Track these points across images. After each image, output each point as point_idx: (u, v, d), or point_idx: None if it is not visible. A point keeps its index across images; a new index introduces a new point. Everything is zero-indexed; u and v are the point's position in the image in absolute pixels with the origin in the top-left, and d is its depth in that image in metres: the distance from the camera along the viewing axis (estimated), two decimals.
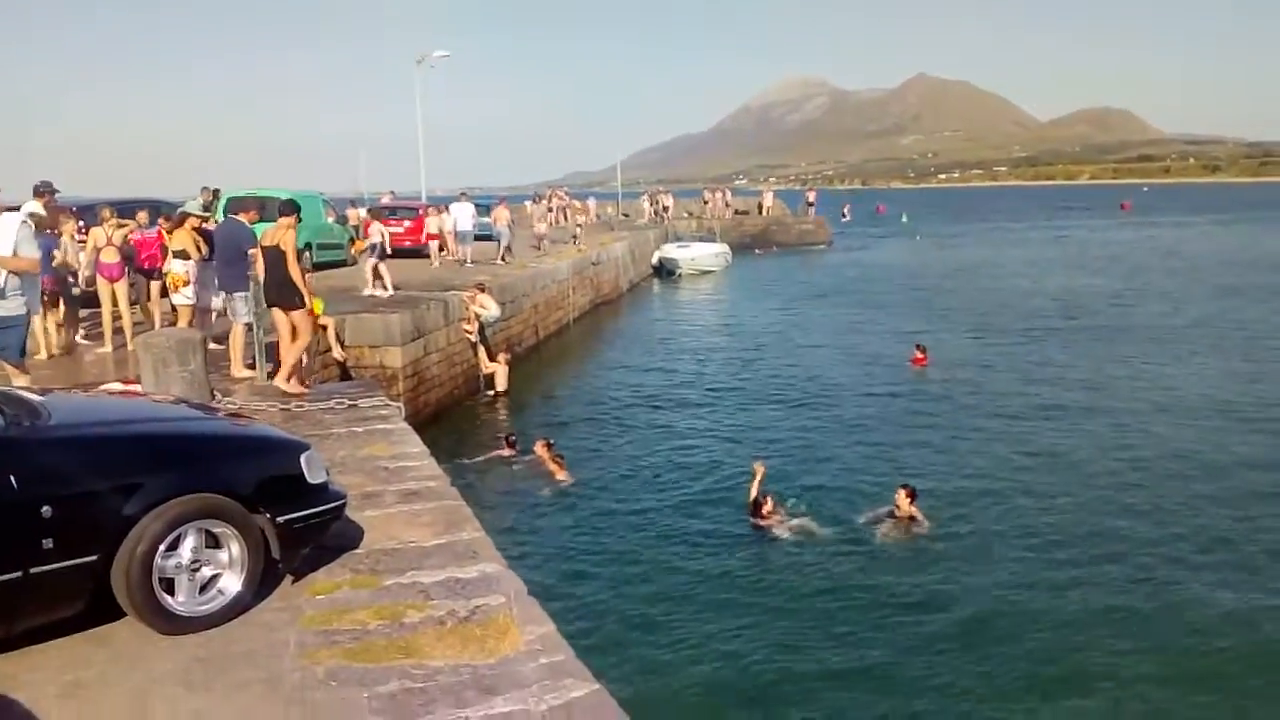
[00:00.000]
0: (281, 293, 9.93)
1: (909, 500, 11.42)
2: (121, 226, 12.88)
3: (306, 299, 10.12)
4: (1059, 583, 9.89)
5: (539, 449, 13.83)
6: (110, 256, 12.36)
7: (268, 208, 12.31)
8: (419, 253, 26.26)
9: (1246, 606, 9.28)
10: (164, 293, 13.66)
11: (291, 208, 10.26)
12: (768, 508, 11.41)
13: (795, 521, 11.36)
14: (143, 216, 14.14)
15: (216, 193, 20.16)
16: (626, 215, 53.29)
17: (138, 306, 13.80)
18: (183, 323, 11.95)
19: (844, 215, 62.10)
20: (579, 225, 36.23)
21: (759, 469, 11.84)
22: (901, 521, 11.31)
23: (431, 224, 26.83)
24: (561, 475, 13.42)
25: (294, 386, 10.12)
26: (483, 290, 18.87)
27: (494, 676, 4.23)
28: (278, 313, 10.07)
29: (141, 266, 13.73)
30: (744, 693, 7.91)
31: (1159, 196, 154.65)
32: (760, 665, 8.28)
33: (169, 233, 12.77)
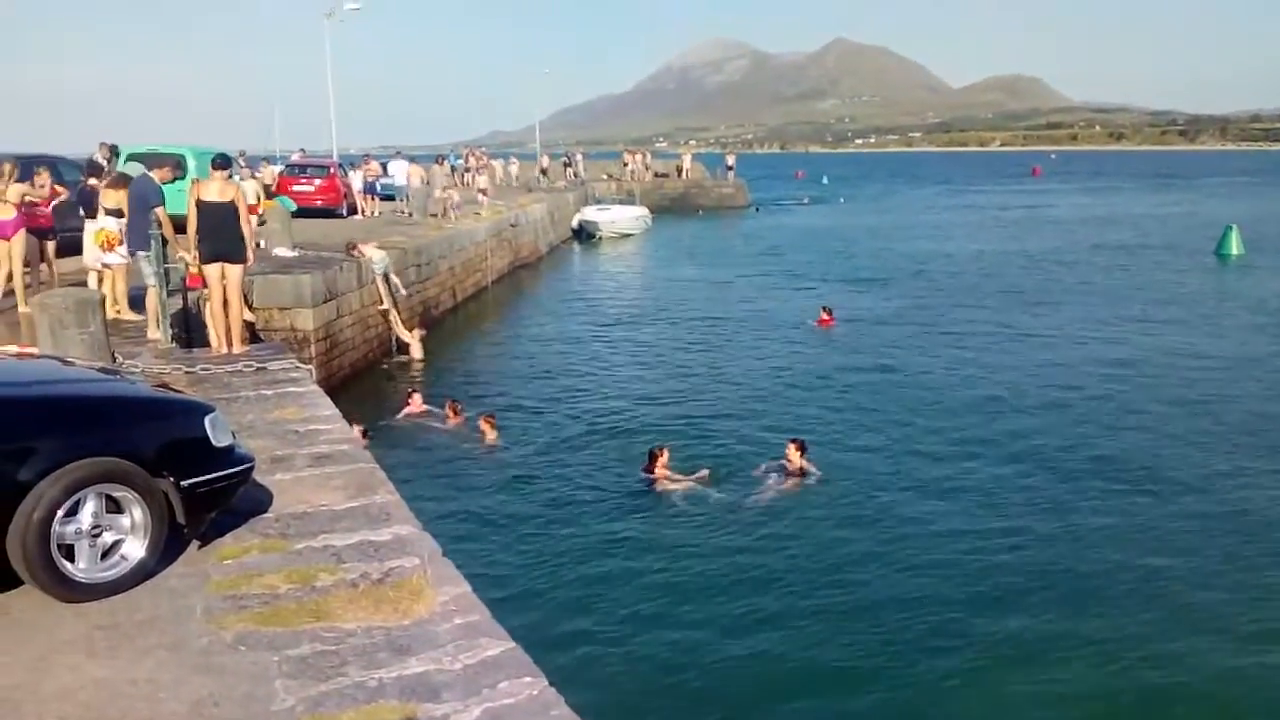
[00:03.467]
0: (233, 246, 9.95)
1: (799, 453, 11.68)
2: (20, 183, 12.30)
3: (250, 255, 10.27)
4: (944, 534, 10.23)
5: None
6: (6, 214, 11.81)
7: (168, 164, 11.94)
8: (331, 212, 25.71)
9: (1136, 552, 9.74)
10: (60, 252, 13.18)
11: (225, 161, 10.25)
12: (661, 462, 11.51)
13: (689, 478, 11.50)
14: (44, 175, 13.54)
15: (115, 149, 19.40)
16: (545, 173, 52.80)
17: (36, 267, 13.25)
18: (120, 283, 11.53)
19: (728, 164, 62.91)
20: (481, 191, 33.52)
21: (660, 453, 11.74)
22: (793, 474, 11.59)
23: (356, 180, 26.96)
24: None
25: (240, 346, 10.26)
26: (354, 248, 18.20)
27: (407, 638, 4.23)
28: (213, 268, 10.00)
29: (39, 226, 13.17)
30: (651, 649, 8.00)
31: (1067, 162, 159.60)
32: (663, 623, 8.39)
33: (106, 190, 12.22)
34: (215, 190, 9.92)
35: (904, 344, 19.86)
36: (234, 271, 10.06)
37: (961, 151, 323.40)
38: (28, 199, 12.48)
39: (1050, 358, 18.55)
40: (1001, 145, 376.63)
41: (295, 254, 17.34)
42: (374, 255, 18.13)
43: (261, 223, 21.95)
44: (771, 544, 9.92)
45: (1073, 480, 11.81)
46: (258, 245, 12.85)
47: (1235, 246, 34.14)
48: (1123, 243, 39.28)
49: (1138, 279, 29.25)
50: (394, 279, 18.40)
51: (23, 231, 12.12)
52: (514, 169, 50.61)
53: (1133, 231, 44.14)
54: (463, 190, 33.52)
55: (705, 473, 11.63)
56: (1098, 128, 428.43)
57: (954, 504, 11.05)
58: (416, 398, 14.83)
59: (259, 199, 23.56)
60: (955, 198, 73.83)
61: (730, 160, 64.84)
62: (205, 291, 10.84)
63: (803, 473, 11.59)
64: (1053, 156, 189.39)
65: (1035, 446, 13.15)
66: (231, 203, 9.93)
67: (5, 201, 11.78)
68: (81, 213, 13.67)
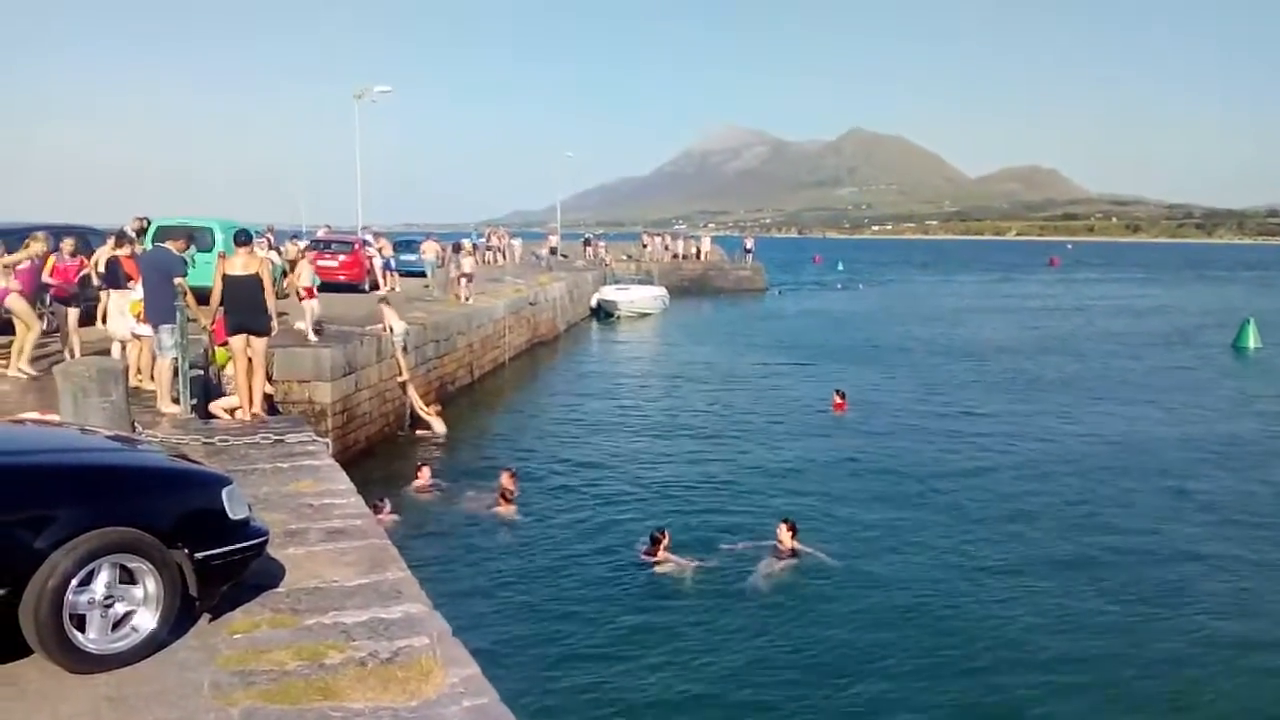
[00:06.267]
0: (257, 319, 10.30)
1: (790, 534, 11.83)
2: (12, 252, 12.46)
3: (274, 326, 10.61)
4: (934, 625, 10.22)
5: (504, 479, 14.16)
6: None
7: (197, 238, 12.17)
8: (355, 287, 26.03)
9: (1149, 650, 9.65)
10: (84, 321, 13.35)
11: (246, 237, 10.64)
12: (664, 545, 11.60)
13: (690, 562, 11.55)
14: (69, 244, 13.80)
15: (147, 221, 19.81)
16: (564, 256, 53.41)
17: (58, 335, 13.43)
18: (145, 353, 11.65)
19: (746, 247, 63.49)
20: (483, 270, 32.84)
21: (662, 537, 11.84)
22: (783, 554, 11.67)
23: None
24: (505, 510, 13.47)
25: (260, 412, 10.54)
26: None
27: (415, 719, 4.17)
28: (239, 340, 10.34)
29: (59, 296, 13.38)
30: None
31: (1084, 253, 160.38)
32: (664, 708, 8.40)
33: (128, 261, 12.43)
34: (240, 265, 10.29)
35: (915, 431, 19.80)
36: (259, 343, 10.47)
37: (978, 239, 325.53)
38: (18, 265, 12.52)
39: (1061, 447, 18.43)
40: (1018, 235, 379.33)
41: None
42: (396, 325, 18.37)
43: (283, 296, 22.22)
44: (766, 627, 10.05)
45: (1071, 571, 11.80)
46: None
47: (1253, 339, 34.11)
48: (1141, 332, 39.42)
49: (1155, 369, 29.20)
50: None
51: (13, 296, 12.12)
52: (517, 245, 50.28)
53: (1151, 322, 44.24)
54: (485, 268, 33.95)
55: (707, 558, 11.71)
56: (1114, 219, 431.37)
57: (948, 593, 11.05)
58: (425, 471, 14.84)
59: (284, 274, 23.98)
60: (973, 286, 74.11)
61: (749, 243, 65.42)
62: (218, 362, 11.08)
63: (794, 553, 11.72)
64: (1069, 247, 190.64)
65: (1035, 536, 13.13)
66: (255, 276, 10.27)
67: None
68: (96, 282, 13.91)
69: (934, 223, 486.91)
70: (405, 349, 18.46)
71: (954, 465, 16.94)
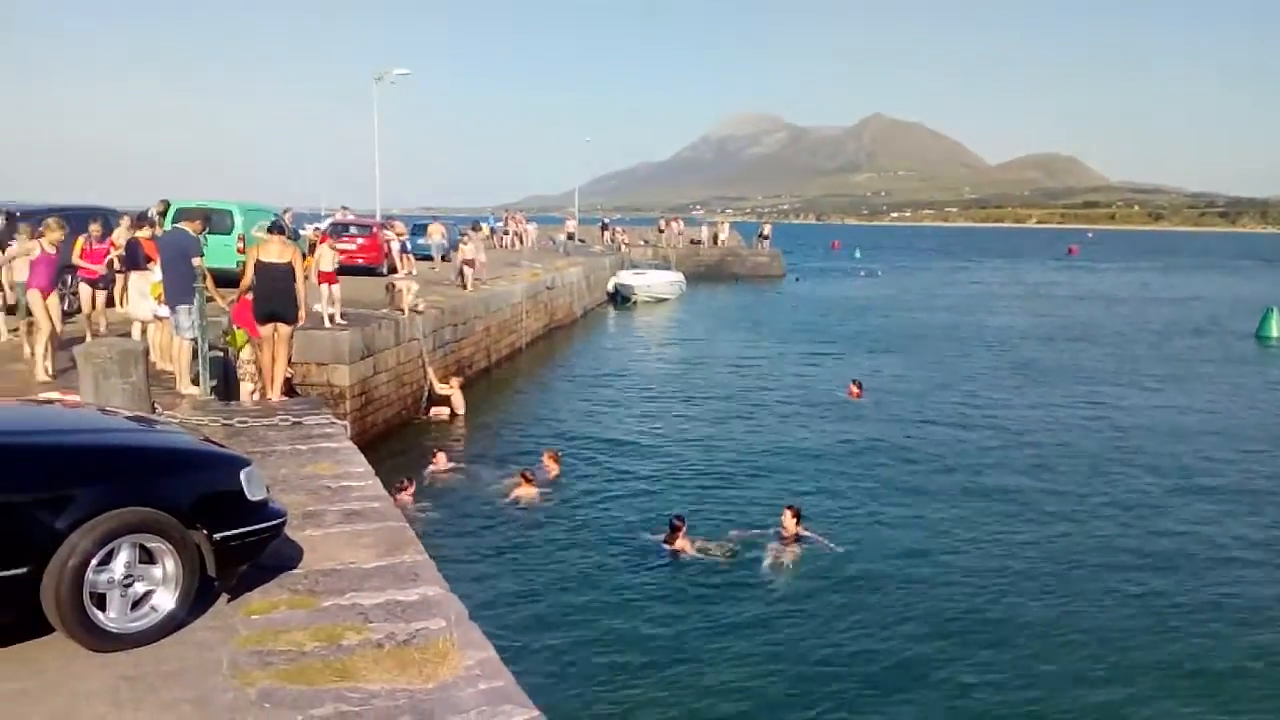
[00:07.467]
0: (287, 306, 10.46)
1: (795, 521, 11.99)
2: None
3: (302, 315, 10.77)
4: (935, 611, 10.28)
5: (546, 459, 14.72)
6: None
7: (215, 220, 12.20)
8: (373, 270, 26.08)
9: (1155, 639, 9.63)
10: (110, 302, 13.41)
11: (278, 226, 10.88)
12: (681, 532, 11.72)
13: (707, 549, 11.67)
14: (96, 228, 13.89)
15: (167, 204, 19.89)
16: (582, 240, 53.34)
17: (79, 317, 13.50)
18: (164, 335, 11.69)
19: (764, 233, 63.30)
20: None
21: (680, 525, 11.92)
22: (788, 540, 11.81)
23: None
24: (524, 493, 13.55)
25: (279, 396, 10.68)
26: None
27: (431, 701, 4.19)
28: (268, 327, 10.52)
29: (90, 276, 13.47)
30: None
31: (1104, 241, 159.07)
32: (683, 691, 8.46)
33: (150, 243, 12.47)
34: (274, 252, 10.43)
35: (931, 419, 19.70)
36: (285, 330, 10.62)
37: (997, 227, 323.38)
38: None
39: (1080, 437, 18.30)
40: (1038, 222, 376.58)
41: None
42: (410, 286, 18.84)
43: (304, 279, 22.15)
44: (773, 615, 10.14)
45: (1089, 564, 11.72)
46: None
47: (1276, 328, 33.82)
48: (1162, 321, 39.11)
49: (1176, 358, 28.96)
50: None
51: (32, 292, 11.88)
52: (532, 230, 50.09)
53: (1173, 311, 43.86)
54: (502, 253, 34.01)
55: (723, 543, 11.83)
56: (1136, 208, 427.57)
57: (954, 583, 11.04)
58: (442, 454, 14.89)
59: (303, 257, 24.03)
60: (991, 273, 73.64)
61: (766, 229, 65.18)
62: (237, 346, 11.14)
63: (798, 539, 11.87)
64: (1090, 235, 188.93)
65: (1051, 528, 13.01)
66: (289, 264, 10.43)
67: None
68: (116, 265, 13.96)
69: (953, 210, 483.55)
70: (419, 309, 19.06)
71: (970, 454, 16.86)
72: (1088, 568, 11.55)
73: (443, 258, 31.06)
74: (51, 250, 11.30)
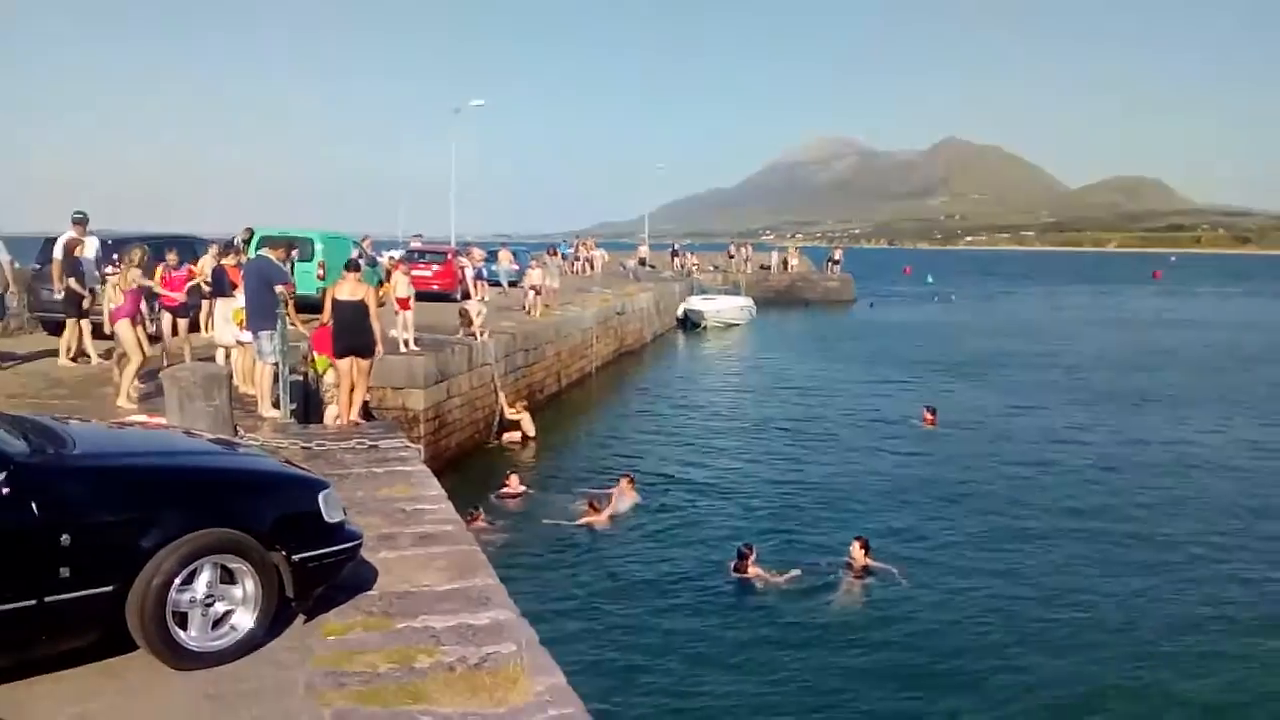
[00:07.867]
0: (363, 341, 10.76)
1: (863, 551, 11.86)
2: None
3: (380, 349, 11.07)
4: (1006, 646, 10.03)
5: (622, 483, 14.74)
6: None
7: (299, 247, 12.49)
8: (447, 296, 26.48)
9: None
10: (194, 328, 13.76)
11: (354, 264, 11.15)
12: (751, 560, 11.64)
13: (777, 577, 11.56)
14: (173, 256, 14.30)
15: (251, 232, 20.48)
16: (653, 266, 53.52)
17: (160, 344, 13.88)
18: (246, 360, 11.99)
19: (834, 258, 62.73)
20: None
21: (749, 553, 11.83)
22: (857, 572, 11.69)
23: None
24: (594, 519, 13.62)
25: (357, 419, 10.99)
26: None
27: None
28: (345, 362, 10.85)
29: (168, 305, 13.85)
30: None
31: (1187, 265, 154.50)
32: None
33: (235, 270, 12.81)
34: (347, 290, 10.69)
35: (1007, 449, 19.29)
36: (364, 364, 10.92)
37: (1076, 251, 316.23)
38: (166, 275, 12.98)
39: (1161, 473, 17.55)
40: (1118, 246, 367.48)
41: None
42: (480, 310, 19.23)
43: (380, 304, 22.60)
44: (844, 645, 10.04)
45: (1166, 606, 11.15)
46: None
47: None
48: (1250, 348, 37.73)
49: (1269, 387, 27.84)
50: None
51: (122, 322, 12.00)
52: (601, 256, 50.48)
53: (1266, 337, 42.24)
54: (574, 278, 34.38)
55: (794, 573, 11.68)
56: (1221, 231, 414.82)
57: (1026, 618, 10.72)
58: (514, 478, 15.00)
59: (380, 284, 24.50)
60: (1070, 298, 72.02)
61: (837, 254, 64.68)
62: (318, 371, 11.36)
63: (867, 570, 11.73)
64: (1172, 260, 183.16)
65: (1124, 568, 12.40)
66: (362, 301, 10.70)
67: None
68: (204, 290, 14.34)
69: (1029, 234, 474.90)
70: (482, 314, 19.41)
71: (1047, 487, 16.37)
72: (1184, 625, 10.58)
73: (511, 284, 31.25)
74: (140, 287, 11.68)
